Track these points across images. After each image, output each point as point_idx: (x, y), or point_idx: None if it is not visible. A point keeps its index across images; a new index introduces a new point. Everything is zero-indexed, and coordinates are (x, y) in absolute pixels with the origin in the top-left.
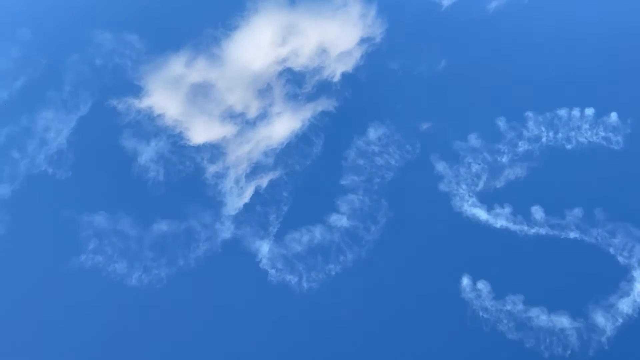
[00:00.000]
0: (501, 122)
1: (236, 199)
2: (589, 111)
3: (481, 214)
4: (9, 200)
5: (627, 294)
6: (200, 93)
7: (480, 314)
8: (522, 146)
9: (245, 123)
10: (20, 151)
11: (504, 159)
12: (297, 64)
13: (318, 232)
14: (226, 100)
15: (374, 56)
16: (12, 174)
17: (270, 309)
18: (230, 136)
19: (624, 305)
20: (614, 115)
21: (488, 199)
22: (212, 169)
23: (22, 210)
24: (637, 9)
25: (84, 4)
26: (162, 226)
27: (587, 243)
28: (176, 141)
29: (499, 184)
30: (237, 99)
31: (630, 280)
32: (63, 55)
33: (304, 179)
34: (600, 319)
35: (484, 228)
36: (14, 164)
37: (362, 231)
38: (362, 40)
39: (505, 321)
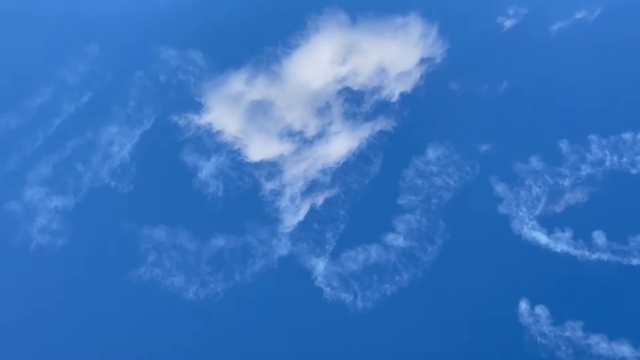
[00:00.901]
0: (564, 145)
1: (292, 216)
2: None
3: (541, 237)
4: (73, 212)
5: None
6: (260, 110)
7: (538, 339)
8: (585, 169)
9: (303, 141)
10: (85, 164)
11: (566, 182)
12: (356, 83)
13: (374, 251)
14: (285, 118)
15: (434, 77)
16: (76, 186)
17: (325, 327)
18: (287, 154)
19: None
20: None
21: (548, 223)
22: (269, 186)
23: (85, 222)
24: None
25: (150, 21)
26: (219, 241)
27: None
28: (235, 157)
29: (560, 207)
30: (296, 117)
31: None
32: (129, 71)
33: (361, 198)
34: None
35: (544, 252)
36: (78, 177)
37: (419, 251)
38: (422, 61)
39: (564, 348)
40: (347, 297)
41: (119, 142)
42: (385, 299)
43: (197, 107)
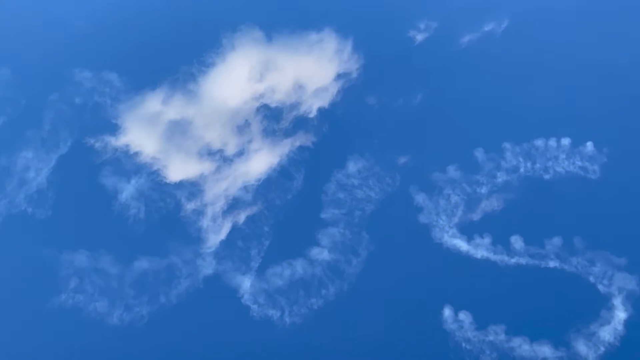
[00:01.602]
0: (479, 154)
1: (215, 235)
2: (565, 141)
3: (461, 244)
4: None
5: (608, 322)
6: (178, 130)
7: (463, 345)
8: (501, 177)
9: (223, 160)
10: (0, 191)
11: (483, 190)
12: (274, 100)
13: (299, 266)
14: (204, 137)
15: (351, 91)
16: None
17: (253, 344)
18: (208, 173)
19: (606, 333)
20: (590, 145)
21: (468, 230)
22: (190, 206)
23: (2, 251)
24: (610, 41)
25: (64, 44)
26: (143, 263)
27: (568, 272)
28: (155, 178)
29: (478, 214)
30: (215, 135)
31: (611, 308)
32: (43, 95)
33: (284, 213)
34: (582, 347)
35: (465, 259)
36: None
37: (344, 264)
38: (339, 76)
39: (488, 352)
40: (274, 314)
41: (35, 167)
42: (313, 313)
43: (114, 128)
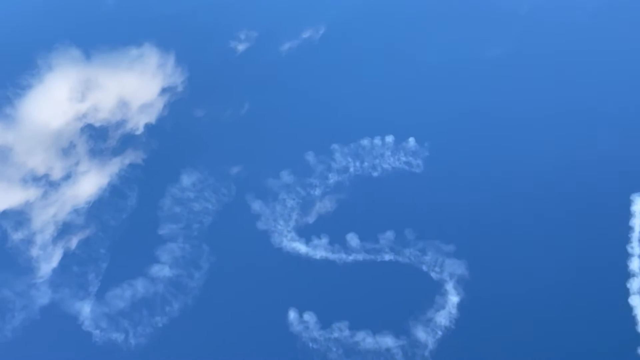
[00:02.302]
0: (310, 157)
1: (47, 263)
2: (389, 139)
3: (300, 247)
4: None
5: (443, 307)
6: None
7: (310, 345)
8: (333, 178)
9: (50, 185)
10: None
11: (317, 192)
12: (98, 119)
13: (140, 285)
14: (26, 163)
15: (178, 105)
16: None
17: None
18: (34, 200)
19: (441, 318)
20: (412, 141)
21: (305, 232)
22: (17, 235)
23: None
24: (423, 41)
25: None
26: None
27: (402, 263)
28: None
29: (314, 216)
30: (39, 160)
31: (444, 293)
32: None
33: (120, 233)
34: (421, 334)
35: (305, 260)
36: None
37: (186, 279)
38: (164, 90)
39: (335, 349)
40: (118, 337)
41: None
42: (158, 331)
43: None
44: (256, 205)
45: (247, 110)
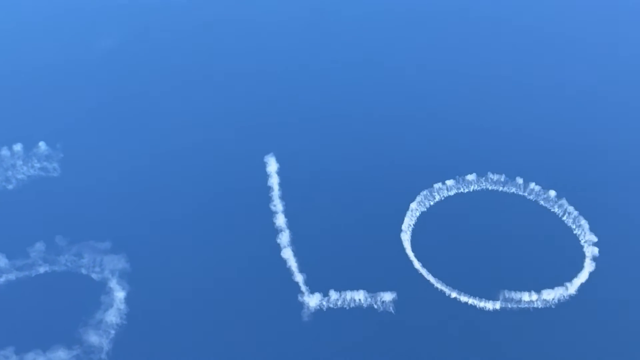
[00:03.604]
0: None
1: None
2: (18, 147)
3: None
4: None
5: (111, 305)
6: None
7: None
8: None
9: None
10: None
11: None
12: None
13: None
14: None
15: None
16: None
17: None
18: None
19: (112, 317)
20: (42, 145)
21: None
22: None
23: None
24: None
25: None
26: None
27: (60, 272)
28: None
29: None
30: None
31: (109, 291)
32: None
33: None
34: (94, 338)
35: None
36: None
37: None
38: None
39: None
40: None
41: None
42: None
43: None
44: None
45: None
